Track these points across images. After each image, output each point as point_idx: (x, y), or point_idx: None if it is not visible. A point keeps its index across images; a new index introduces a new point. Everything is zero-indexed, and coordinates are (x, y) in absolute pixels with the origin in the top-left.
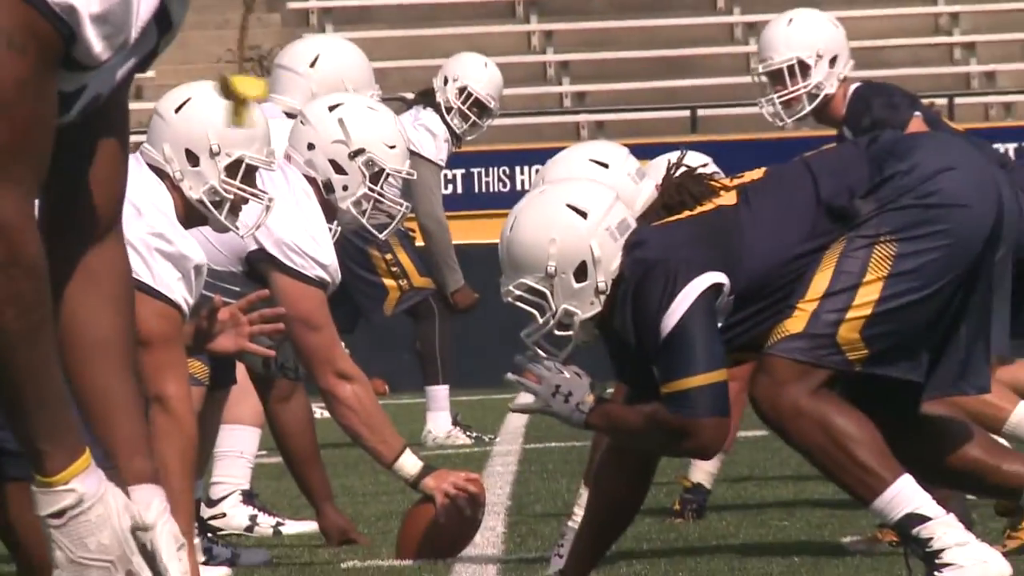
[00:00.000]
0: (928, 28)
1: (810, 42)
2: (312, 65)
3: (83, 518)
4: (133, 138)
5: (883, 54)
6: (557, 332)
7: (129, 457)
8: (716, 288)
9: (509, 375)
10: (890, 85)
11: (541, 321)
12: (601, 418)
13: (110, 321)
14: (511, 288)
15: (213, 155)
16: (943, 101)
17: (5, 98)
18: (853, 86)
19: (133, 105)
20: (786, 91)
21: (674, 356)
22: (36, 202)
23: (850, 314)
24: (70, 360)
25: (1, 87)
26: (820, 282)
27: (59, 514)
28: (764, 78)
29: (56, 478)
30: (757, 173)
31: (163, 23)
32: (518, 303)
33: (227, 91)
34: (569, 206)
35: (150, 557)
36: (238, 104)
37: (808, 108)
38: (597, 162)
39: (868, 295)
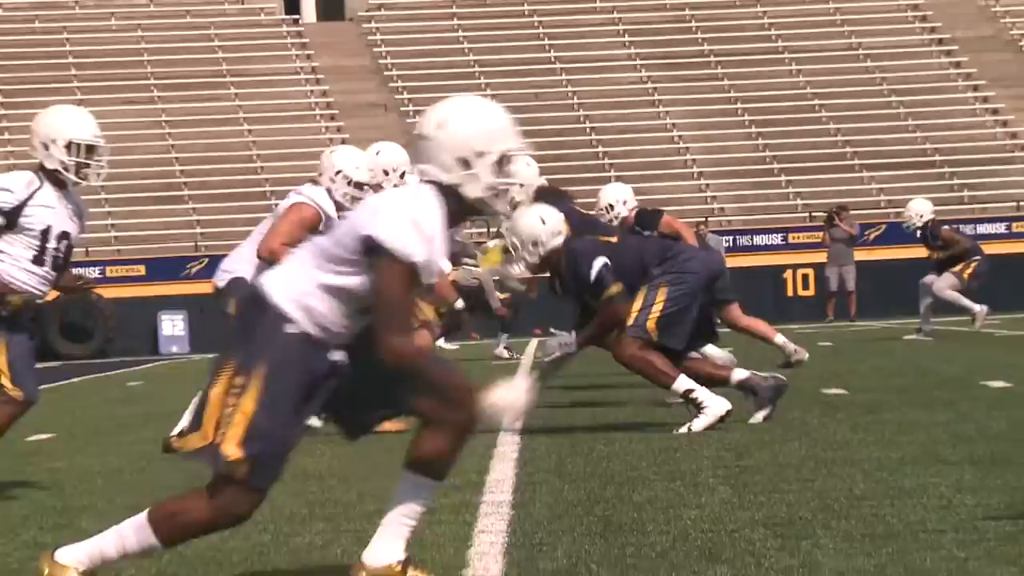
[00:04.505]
0: (692, 188)
1: (617, 196)
2: None
3: None
4: None
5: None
6: (521, 267)
7: None
8: (607, 265)
9: (546, 344)
10: (656, 209)
11: (515, 256)
12: (582, 340)
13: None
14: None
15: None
16: (702, 219)
17: (403, 299)
18: (636, 211)
19: None
20: (608, 216)
21: (599, 287)
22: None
23: (651, 316)
24: None
25: (402, 297)
26: (638, 301)
27: None
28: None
29: None
30: (612, 239)
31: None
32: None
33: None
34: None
35: None
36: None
37: (616, 223)
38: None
39: (658, 308)
